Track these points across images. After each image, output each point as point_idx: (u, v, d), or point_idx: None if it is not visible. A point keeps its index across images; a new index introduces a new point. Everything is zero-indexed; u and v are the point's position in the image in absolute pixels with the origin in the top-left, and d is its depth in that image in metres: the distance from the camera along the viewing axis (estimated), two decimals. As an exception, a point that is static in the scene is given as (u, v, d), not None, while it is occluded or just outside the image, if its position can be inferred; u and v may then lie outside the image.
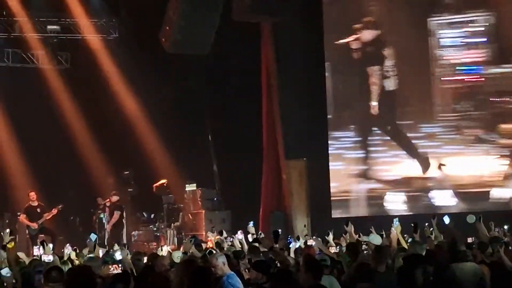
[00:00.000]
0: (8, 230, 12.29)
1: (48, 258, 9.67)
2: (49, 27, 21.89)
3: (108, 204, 19.35)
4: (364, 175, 19.88)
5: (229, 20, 19.08)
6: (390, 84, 19.88)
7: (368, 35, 20.03)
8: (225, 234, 13.78)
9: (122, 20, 21.66)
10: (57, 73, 21.79)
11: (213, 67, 20.44)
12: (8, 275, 8.51)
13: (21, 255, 11.88)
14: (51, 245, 9.84)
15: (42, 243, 10.24)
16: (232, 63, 19.94)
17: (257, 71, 20.65)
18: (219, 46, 19.44)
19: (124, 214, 19.38)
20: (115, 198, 19.30)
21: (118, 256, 9.58)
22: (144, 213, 21.42)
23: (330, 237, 12.08)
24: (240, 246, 12.19)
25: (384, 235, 11.31)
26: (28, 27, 21.49)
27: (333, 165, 20.03)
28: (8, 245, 8.57)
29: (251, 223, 13.81)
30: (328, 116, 20.21)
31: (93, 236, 11.67)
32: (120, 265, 9.05)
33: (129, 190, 21.39)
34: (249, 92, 20.45)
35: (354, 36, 20.07)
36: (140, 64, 20.39)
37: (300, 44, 19.84)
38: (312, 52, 20.07)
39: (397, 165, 19.77)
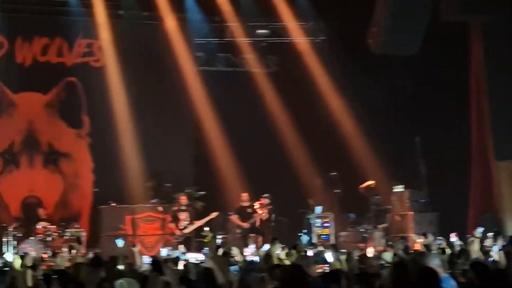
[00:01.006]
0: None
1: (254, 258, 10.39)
2: (258, 31, 22.88)
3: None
4: None
5: (437, 21, 19.01)
6: None
7: None
8: (431, 237, 13.78)
9: (329, 23, 22.17)
10: (266, 76, 22.70)
11: (420, 68, 20.43)
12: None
13: (235, 250, 12.67)
14: (266, 246, 10.35)
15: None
16: (440, 63, 19.85)
17: (465, 71, 20.40)
18: (426, 47, 19.41)
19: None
20: (266, 201, 19.49)
21: (327, 257, 10.05)
22: (351, 214, 21.76)
23: None
24: (449, 248, 12.17)
25: None
26: (238, 32, 22.58)
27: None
28: (205, 239, 9.11)
29: (480, 229, 13.71)
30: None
31: (304, 238, 12.11)
32: (327, 265, 9.41)
33: (336, 191, 21.80)
34: (457, 92, 20.25)
35: None
36: (347, 65, 20.77)
37: (511, 44, 19.35)
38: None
39: None
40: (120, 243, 11.24)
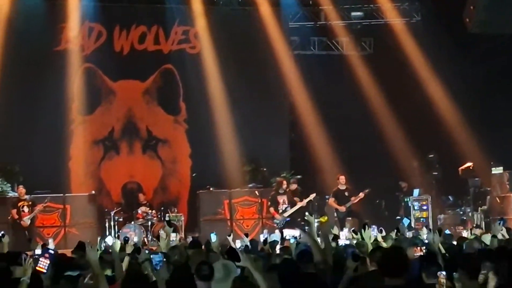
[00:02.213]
0: None
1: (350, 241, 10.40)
2: (352, 13, 22.79)
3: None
4: None
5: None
6: None
7: None
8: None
9: (424, 3, 21.85)
10: (361, 59, 22.59)
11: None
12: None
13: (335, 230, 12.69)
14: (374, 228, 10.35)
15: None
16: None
17: None
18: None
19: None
20: (293, 187, 19.32)
21: (426, 239, 9.97)
22: (449, 197, 21.48)
23: None
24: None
25: None
26: (333, 15, 22.52)
27: None
28: (321, 219, 9.13)
29: None
30: None
31: (406, 221, 12.00)
32: (424, 248, 9.35)
33: (433, 173, 21.55)
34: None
35: None
36: (443, 45, 20.47)
37: None
38: None
39: None
40: (213, 237, 11.40)
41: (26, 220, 17.99)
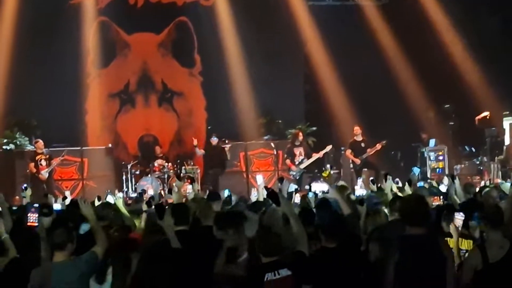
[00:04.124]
0: None
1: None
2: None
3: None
4: None
5: None
6: None
7: None
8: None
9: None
10: (377, 9, 22.33)
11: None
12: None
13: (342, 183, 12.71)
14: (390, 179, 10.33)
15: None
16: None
17: None
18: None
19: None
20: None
21: (443, 188, 9.96)
22: (466, 147, 21.39)
23: None
24: None
25: None
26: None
27: None
28: (323, 174, 9.15)
29: None
30: None
31: (416, 170, 12.02)
32: (441, 197, 9.35)
33: (450, 123, 21.42)
34: None
35: None
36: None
37: None
38: None
39: None
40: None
41: (44, 174, 18.08)
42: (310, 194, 10.11)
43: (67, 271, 6.25)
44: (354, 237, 7.02)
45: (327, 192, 9.49)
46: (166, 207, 7.27)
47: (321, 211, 7.52)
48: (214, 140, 19.40)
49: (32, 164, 18.21)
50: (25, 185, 11.30)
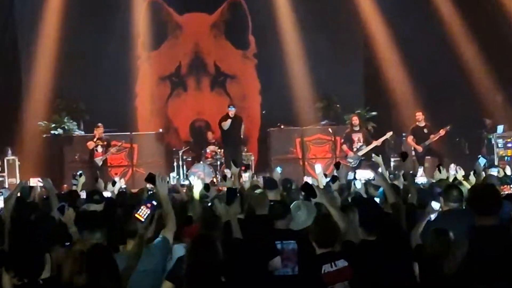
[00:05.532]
0: None
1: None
2: None
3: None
4: None
5: None
6: None
7: None
8: None
9: None
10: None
11: None
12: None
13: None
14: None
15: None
16: None
17: None
18: None
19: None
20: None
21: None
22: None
23: None
24: None
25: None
26: None
27: None
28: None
29: None
30: None
31: (482, 160, 11.76)
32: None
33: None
34: None
35: None
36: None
37: None
38: None
39: None
40: (278, 170, 11.39)
41: (98, 161, 18.10)
42: (358, 183, 9.96)
43: (142, 258, 5.99)
44: (396, 229, 6.86)
45: (373, 179, 9.33)
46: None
47: (359, 204, 7.40)
48: (231, 111, 18.42)
49: (90, 147, 18.11)
50: (79, 171, 11.33)
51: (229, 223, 6.84)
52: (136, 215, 6.12)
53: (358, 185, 9.87)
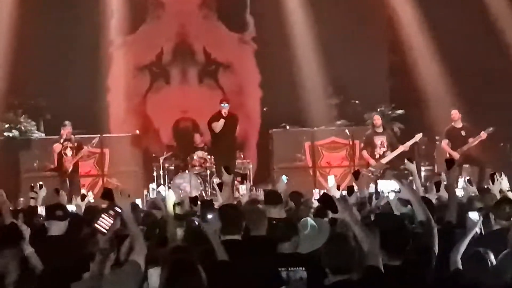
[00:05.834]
0: None
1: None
2: None
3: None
4: None
5: None
6: None
7: None
8: None
9: None
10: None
11: None
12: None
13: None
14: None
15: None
16: None
17: None
18: None
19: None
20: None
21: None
22: None
23: None
24: None
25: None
26: None
27: None
28: None
29: None
30: None
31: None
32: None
33: None
34: None
35: None
36: None
37: None
38: None
39: None
40: (284, 180, 11.41)
41: (68, 166, 17.95)
42: (392, 195, 9.93)
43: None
44: (427, 253, 6.84)
45: (399, 192, 9.33)
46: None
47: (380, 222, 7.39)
48: (225, 108, 18.26)
49: (57, 150, 17.92)
50: (40, 182, 11.33)
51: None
52: (96, 225, 6.08)
53: (392, 197, 9.84)
